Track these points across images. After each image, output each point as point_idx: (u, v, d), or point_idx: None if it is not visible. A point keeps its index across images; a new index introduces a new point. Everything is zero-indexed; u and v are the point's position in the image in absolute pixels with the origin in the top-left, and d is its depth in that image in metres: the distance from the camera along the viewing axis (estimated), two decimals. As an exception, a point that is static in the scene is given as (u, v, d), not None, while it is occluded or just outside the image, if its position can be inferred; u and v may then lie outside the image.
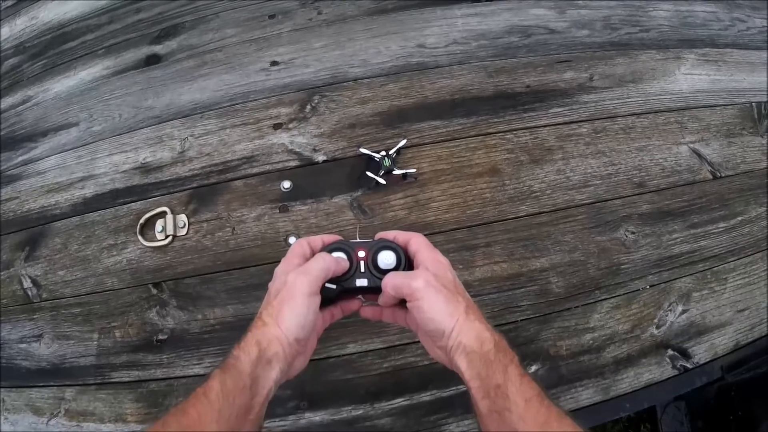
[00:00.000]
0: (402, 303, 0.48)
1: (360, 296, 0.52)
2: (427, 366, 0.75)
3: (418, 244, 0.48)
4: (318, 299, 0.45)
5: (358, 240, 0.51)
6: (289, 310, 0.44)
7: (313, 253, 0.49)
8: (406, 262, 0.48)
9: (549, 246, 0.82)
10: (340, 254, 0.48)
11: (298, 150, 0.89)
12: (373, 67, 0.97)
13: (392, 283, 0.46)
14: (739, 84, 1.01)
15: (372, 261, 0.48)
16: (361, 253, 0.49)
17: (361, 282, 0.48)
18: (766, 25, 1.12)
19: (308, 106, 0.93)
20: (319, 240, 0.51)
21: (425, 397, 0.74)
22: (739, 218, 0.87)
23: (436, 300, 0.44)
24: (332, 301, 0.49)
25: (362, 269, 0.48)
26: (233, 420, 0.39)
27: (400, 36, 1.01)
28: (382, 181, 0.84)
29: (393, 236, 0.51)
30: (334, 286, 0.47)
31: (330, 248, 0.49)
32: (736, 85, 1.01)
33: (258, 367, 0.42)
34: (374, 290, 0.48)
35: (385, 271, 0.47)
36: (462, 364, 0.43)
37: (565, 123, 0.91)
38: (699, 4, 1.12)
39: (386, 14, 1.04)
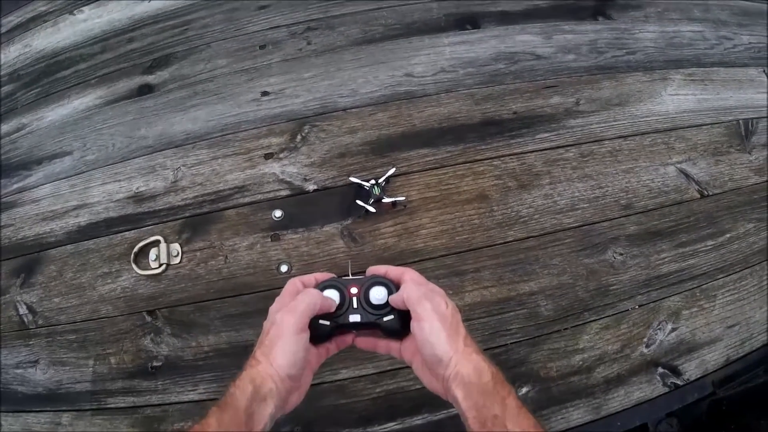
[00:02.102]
0: (398, 334, 0.51)
1: (354, 332, 0.54)
2: (418, 390, 0.78)
3: (407, 285, 0.51)
4: (306, 335, 0.48)
5: (350, 277, 0.54)
6: (280, 348, 0.46)
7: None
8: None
9: (537, 270, 0.86)
10: (333, 291, 0.51)
11: (289, 179, 0.94)
12: (362, 97, 1.02)
13: (408, 294, 0.49)
14: (726, 102, 1.06)
15: (364, 297, 0.51)
16: (354, 290, 0.52)
17: (354, 318, 0.51)
18: (752, 41, 1.18)
19: (299, 136, 0.98)
20: (311, 278, 0.54)
21: (417, 420, 0.77)
22: (728, 235, 0.91)
23: (439, 327, 0.46)
24: (327, 337, 0.51)
25: (355, 305, 0.51)
26: None
27: (388, 65, 1.06)
28: (371, 209, 0.88)
29: (384, 271, 0.53)
30: (327, 323, 0.50)
31: (322, 286, 0.52)
32: (722, 103, 1.06)
33: (254, 404, 0.44)
34: (367, 326, 0.51)
35: (377, 306, 0.51)
36: (459, 395, 0.45)
37: (552, 148, 0.96)
38: (685, 24, 1.17)
39: (374, 44, 1.10)
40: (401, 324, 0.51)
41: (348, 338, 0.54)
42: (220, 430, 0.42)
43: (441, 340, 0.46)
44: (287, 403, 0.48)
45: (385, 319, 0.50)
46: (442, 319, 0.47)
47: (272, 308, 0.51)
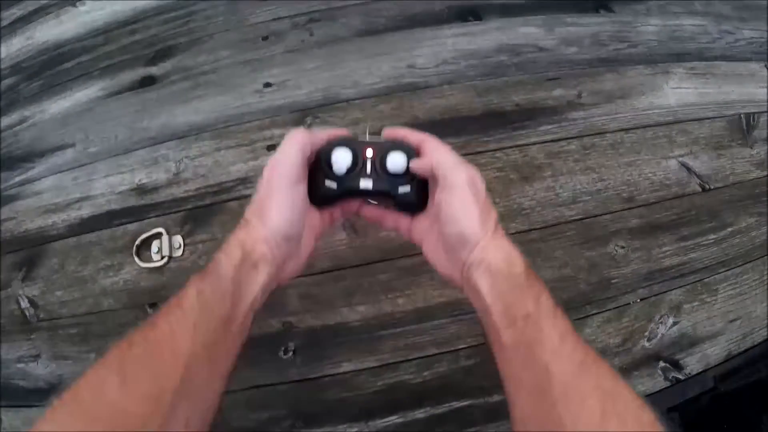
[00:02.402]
0: (412, 208, 0.45)
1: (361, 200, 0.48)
2: (420, 384, 0.77)
3: (437, 150, 0.43)
4: (303, 187, 0.41)
5: (367, 138, 0.47)
6: (273, 204, 0.40)
7: (315, 150, 0.44)
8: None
9: (539, 262, 0.85)
10: (345, 150, 0.44)
11: (292, 170, 0.93)
12: (365, 88, 1.01)
13: (438, 157, 0.41)
14: (728, 96, 1.04)
15: (380, 162, 0.44)
16: (369, 152, 0.45)
17: (366, 184, 0.44)
18: (754, 36, 1.16)
19: (302, 127, 0.96)
20: (324, 134, 0.45)
21: (419, 414, 0.77)
22: (729, 229, 0.90)
23: (473, 202, 0.39)
24: (333, 201, 0.46)
25: (368, 170, 0.44)
26: (211, 332, 0.36)
27: (390, 57, 1.04)
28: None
29: (403, 135, 0.46)
30: (335, 185, 0.44)
31: (334, 143, 0.45)
32: (724, 98, 1.04)
33: (242, 272, 0.38)
34: (379, 195, 0.45)
35: (393, 175, 0.44)
36: (483, 284, 0.38)
37: (554, 140, 0.95)
38: (687, 18, 1.15)
39: (377, 35, 1.08)
40: (417, 198, 0.45)
41: (353, 205, 0.48)
42: (199, 303, 0.36)
43: (471, 218, 0.39)
44: (283, 272, 0.42)
45: (401, 189, 0.44)
46: (476, 194, 0.40)
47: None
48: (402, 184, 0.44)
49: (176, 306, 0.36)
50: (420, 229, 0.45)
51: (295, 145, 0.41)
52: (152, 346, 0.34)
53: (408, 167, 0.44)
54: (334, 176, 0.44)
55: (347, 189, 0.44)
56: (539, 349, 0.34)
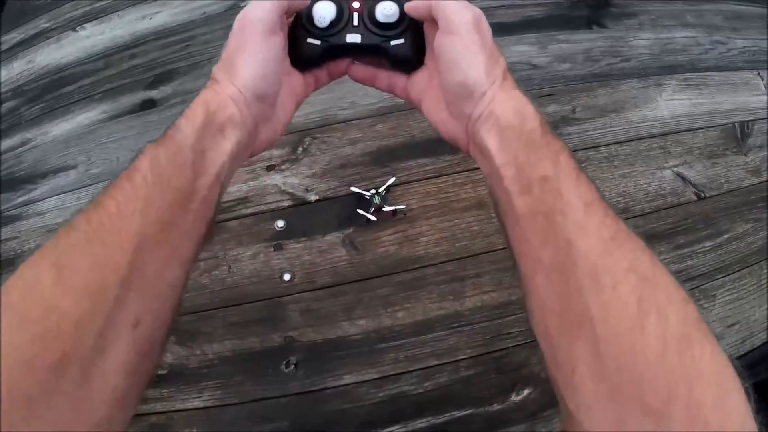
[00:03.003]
0: (406, 65, 0.41)
1: (350, 58, 0.45)
2: (421, 394, 0.81)
3: None
4: (279, 40, 0.37)
5: None
6: (244, 58, 0.35)
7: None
8: (410, 18, 0.40)
9: (536, 274, 0.90)
10: (329, 2, 0.41)
11: (290, 190, 0.98)
12: (362, 109, 1.06)
13: None
14: (721, 105, 1.10)
15: (368, 12, 0.41)
16: (356, 4, 0.41)
17: (353, 38, 0.41)
18: (746, 45, 1.22)
19: (300, 148, 1.03)
20: None
21: (420, 424, 0.80)
22: (725, 236, 0.95)
23: (479, 46, 0.35)
24: (317, 61, 0.43)
25: (355, 22, 0.41)
26: (166, 209, 0.31)
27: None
28: (372, 218, 0.92)
29: None
30: (318, 42, 0.41)
31: None
32: (718, 107, 1.10)
33: (205, 137, 0.34)
34: (369, 50, 0.42)
35: (385, 26, 0.41)
36: (491, 144, 0.34)
37: (548, 154, 1.01)
38: (679, 30, 1.22)
39: (373, 61, 1.15)
40: (413, 50, 0.41)
41: (341, 65, 0.44)
42: (153, 175, 0.31)
43: (477, 64, 0.35)
44: (255, 137, 0.38)
45: (393, 42, 0.40)
46: (482, 37, 0.36)
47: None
48: (395, 36, 0.40)
49: (126, 179, 0.31)
50: (418, 86, 0.41)
51: None
52: (94, 229, 0.29)
53: (401, 16, 0.40)
54: (316, 32, 0.40)
55: (332, 46, 0.41)
56: (561, 220, 0.30)
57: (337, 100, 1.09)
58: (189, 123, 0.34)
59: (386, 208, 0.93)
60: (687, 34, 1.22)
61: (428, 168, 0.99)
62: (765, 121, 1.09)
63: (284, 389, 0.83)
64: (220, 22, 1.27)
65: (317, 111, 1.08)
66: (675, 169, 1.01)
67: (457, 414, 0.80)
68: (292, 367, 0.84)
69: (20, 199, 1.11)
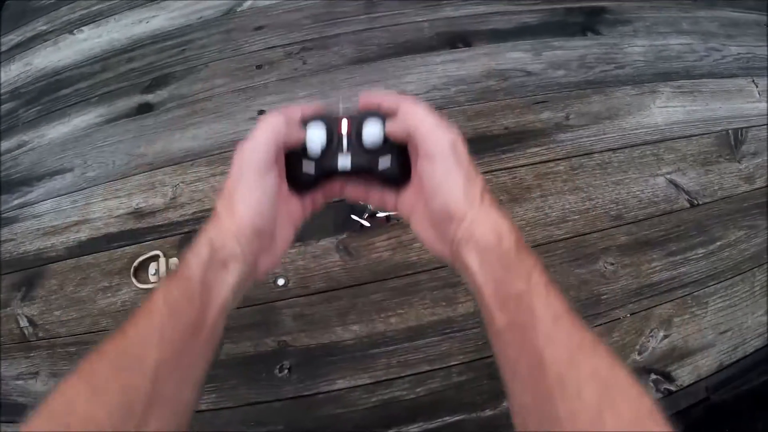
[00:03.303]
0: (397, 182, 0.43)
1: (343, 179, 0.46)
2: (413, 400, 0.82)
3: (413, 112, 0.39)
4: (274, 174, 0.39)
5: (341, 110, 0.45)
6: (241, 195, 0.38)
7: (286, 130, 0.41)
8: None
9: (529, 280, 0.91)
10: (319, 127, 0.42)
11: (285, 195, 1.00)
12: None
13: (416, 117, 0.39)
14: (715, 112, 1.11)
15: (356, 136, 0.42)
16: (344, 127, 0.43)
17: (344, 162, 0.42)
18: (741, 52, 1.23)
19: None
20: (297, 110, 0.43)
21: (413, 429, 0.81)
22: (718, 243, 0.96)
23: (456, 171, 0.37)
24: (312, 185, 0.44)
25: (345, 146, 0.42)
26: (178, 339, 0.35)
27: (381, 84, 1.12)
28: (366, 223, 0.94)
29: (379, 100, 0.43)
30: (312, 168, 0.42)
31: (307, 120, 0.43)
32: (711, 114, 1.11)
33: (210, 272, 0.36)
34: (360, 172, 0.43)
35: (372, 148, 0.42)
36: (473, 263, 0.36)
37: (542, 162, 1.01)
38: (674, 37, 1.23)
39: (368, 63, 1.16)
40: (400, 170, 0.43)
41: (335, 187, 0.46)
42: (167, 308, 0.35)
43: (456, 188, 0.37)
44: (257, 267, 0.40)
45: (381, 163, 0.42)
46: (458, 161, 0.38)
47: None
48: (382, 156, 0.42)
49: (145, 312, 0.35)
50: (407, 202, 0.43)
51: (266, 132, 0.39)
52: (120, 355, 0.34)
53: (386, 137, 0.42)
54: (310, 158, 0.42)
55: (326, 170, 0.43)
56: (532, 334, 0.33)
57: (332, 105, 1.09)
58: (196, 260, 0.37)
59: (380, 214, 0.94)
60: (682, 41, 1.23)
61: None
62: (759, 128, 1.10)
63: (278, 393, 0.84)
64: (217, 27, 1.28)
65: (312, 116, 1.08)
66: (668, 176, 1.02)
67: (449, 419, 0.81)
68: (286, 371, 0.85)
69: (16, 202, 1.12)
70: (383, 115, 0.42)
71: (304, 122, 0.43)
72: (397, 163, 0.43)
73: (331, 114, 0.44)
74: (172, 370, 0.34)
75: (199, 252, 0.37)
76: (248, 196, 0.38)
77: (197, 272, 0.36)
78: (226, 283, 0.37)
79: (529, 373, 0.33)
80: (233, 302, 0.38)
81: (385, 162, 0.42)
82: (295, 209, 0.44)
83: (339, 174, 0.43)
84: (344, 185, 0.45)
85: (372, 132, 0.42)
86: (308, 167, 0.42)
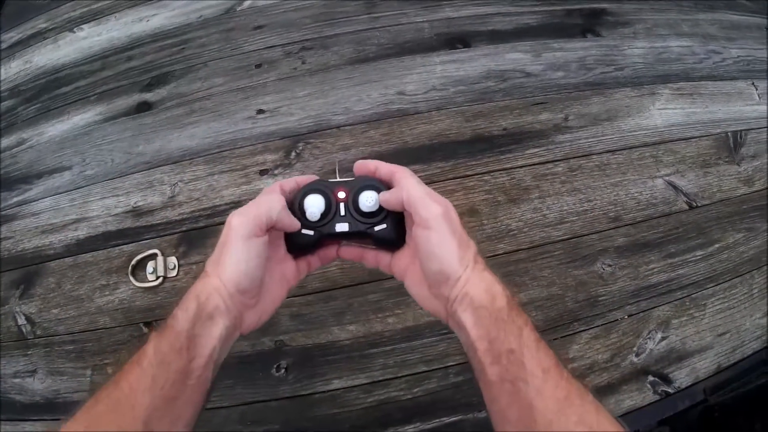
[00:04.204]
0: (391, 245, 0.46)
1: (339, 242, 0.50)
2: (410, 400, 0.83)
3: (407, 184, 0.44)
4: (261, 241, 0.42)
5: (338, 179, 0.48)
6: (227, 257, 0.41)
7: (286, 199, 0.46)
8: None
9: (527, 281, 0.91)
10: (317, 197, 0.46)
11: (283, 194, 1.00)
12: (355, 115, 1.08)
13: (410, 191, 0.42)
14: (714, 115, 1.12)
15: (353, 202, 0.46)
16: (341, 194, 0.47)
17: (342, 227, 0.46)
18: (741, 54, 1.24)
19: (293, 153, 1.05)
20: (292, 181, 0.48)
21: (409, 429, 0.82)
22: (717, 245, 0.96)
23: (450, 237, 0.41)
24: (311, 248, 0.48)
25: (342, 212, 0.46)
26: (168, 387, 0.38)
27: (380, 84, 1.13)
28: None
29: (374, 168, 0.47)
30: (311, 233, 0.46)
31: (305, 190, 0.47)
32: (711, 116, 1.11)
33: (197, 325, 0.39)
34: (356, 235, 0.47)
35: (368, 214, 0.46)
36: (467, 321, 0.39)
37: (541, 163, 1.02)
38: (674, 39, 1.24)
39: (367, 63, 1.16)
40: (395, 234, 0.46)
41: (332, 251, 0.49)
42: (156, 359, 0.38)
43: (450, 253, 0.40)
44: (242, 322, 0.43)
45: (377, 228, 0.46)
46: (452, 227, 0.41)
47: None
48: (378, 221, 0.46)
49: (136, 363, 0.38)
50: (401, 264, 0.47)
51: (258, 208, 0.42)
52: (114, 403, 0.37)
53: (381, 205, 0.45)
54: (308, 223, 0.46)
55: (324, 234, 0.46)
56: (523, 386, 0.36)
57: (330, 105, 1.11)
58: (184, 313, 0.40)
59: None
60: (682, 44, 1.24)
61: (420, 174, 0.97)
62: (758, 130, 1.11)
63: (275, 393, 0.84)
64: (216, 26, 1.29)
65: (311, 116, 1.10)
66: (667, 178, 1.02)
67: (446, 419, 0.82)
68: (283, 371, 0.86)
69: (15, 199, 1.13)
70: (377, 183, 0.47)
71: (303, 192, 0.47)
72: (393, 227, 0.46)
73: (328, 183, 0.48)
74: (162, 414, 0.37)
75: (187, 307, 0.40)
76: (234, 258, 0.41)
77: (185, 325, 0.39)
78: (213, 334, 0.40)
79: (520, 420, 0.37)
80: (221, 352, 0.41)
81: (380, 227, 0.46)
82: (290, 271, 0.47)
83: (336, 237, 0.47)
84: (339, 247, 0.49)
85: (368, 199, 0.46)
86: (307, 233, 0.46)
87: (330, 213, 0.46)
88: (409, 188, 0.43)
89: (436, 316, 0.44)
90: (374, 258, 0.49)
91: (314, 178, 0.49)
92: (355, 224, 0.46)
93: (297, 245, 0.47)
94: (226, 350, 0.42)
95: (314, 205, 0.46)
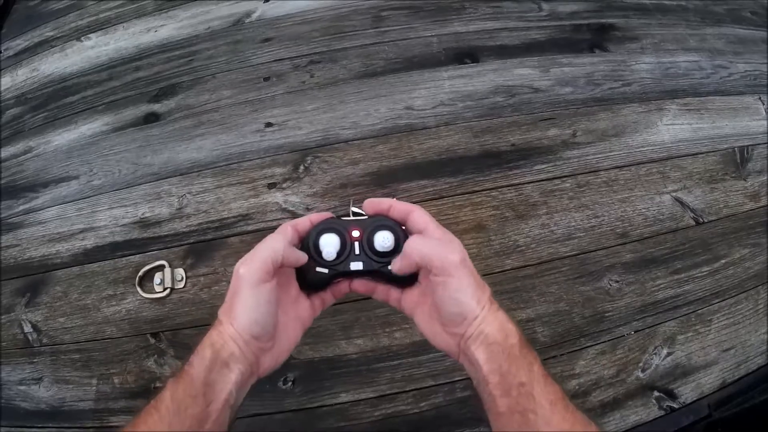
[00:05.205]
0: (403, 282, 0.49)
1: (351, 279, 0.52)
2: (417, 414, 0.85)
3: (423, 222, 0.47)
4: (270, 286, 0.44)
5: (351, 218, 0.51)
6: (238, 304, 0.43)
7: (300, 238, 0.48)
8: (405, 242, 0.47)
9: (534, 297, 0.93)
10: (332, 236, 0.48)
11: (291, 209, 1.03)
12: (363, 129, 1.11)
13: (420, 251, 0.45)
14: (721, 130, 1.14)
15: (368, 242, 0.48)
16: (355, 233, 0.48)
17: (356, 265, 0.48)
18: (748, 69, 1.26)
19: (301, 167, 1.07)
20: (306, 221, 0.49)
21: (415, 444, 0.84)
22: (723, 261, 0.98)
23: (468, 281, 0.43)
24: (324, 285, 0.50)
25: (357, 251, 0.48)
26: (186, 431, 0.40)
27: (389, 98, 1.15)
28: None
29: (388, 206, 0.50)
30: (326, 271, 0.48)
31: (319, 229, 0.49)
32: (718, 132, 1.14)
33: (213, 372, 0.41)
34: (370, 274, 0.49)
35: (382, 254, 0.48)
36: (481, 356, 0.42)
37: (548, 179, 1.04)
38: (681, 55, 1.26)
39: (376, 77, 1.19)
40: (408, 274, 0.48)
41: (344, 285, 0.52)
42: (173, 405, 0.40)
43: (469, 297, 0.43)
44: (259, 366, 0.45)
45: (391, 266, 0.48)
46: (471, 273, 0.44)
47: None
48: (391, 261, 0.48)
49: (153, 409, 0.41)
50: (410, 301, 0.49)
51: (264, 252, 0.44)
52: None
53: (396, 244, 0.48)
54: (323, 262, 0.48)
55: (339, 272, 0.48)
56: (532, 417, 0.40)
57: (339, 119, 1.13)
58: (200, 361, 0.42)
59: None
60: (689, 59, 1.26)
61: (428, 190, 1.03)
62: (765, 146, 1.14)
63: (281, 405, 0.86)
64: (224, 38, 1.32)
65: (319, 130, 1.12)
66: (674, 194, 1.04)
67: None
68: (290, 383, 0.88)
69: (21, 207, 1.15)
70: (393, 223, 0.49)
71: (317, 231, 0.48)
72: None
73: (342, 222, 0.50)
74: None
75: (203, 355, 0.42)
76: (245, 305, 0.43)
77: (201, 372, 0.41)
78: (228, 379, 0.42)
79: None
80: (238, 397, 0.43)
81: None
82: (304, 310, 0.50)
83: (351, 275, 0.49)
84: (351, 282, 0.51)
85: (384, 239, 0.48)
86: (321, 270, 0.48)
87: (345, 251, 0.48)
88: (421, 243, 0.46)
89: (446, 351, 0.47)
90: (384, 293, 0.51)
91: (328, 215, 0.51)
92: (369, 263, 0.48)
93: (312, 283, 0.49)
94: (242, 394, 0.44)
95: (330, 244, 0.48)
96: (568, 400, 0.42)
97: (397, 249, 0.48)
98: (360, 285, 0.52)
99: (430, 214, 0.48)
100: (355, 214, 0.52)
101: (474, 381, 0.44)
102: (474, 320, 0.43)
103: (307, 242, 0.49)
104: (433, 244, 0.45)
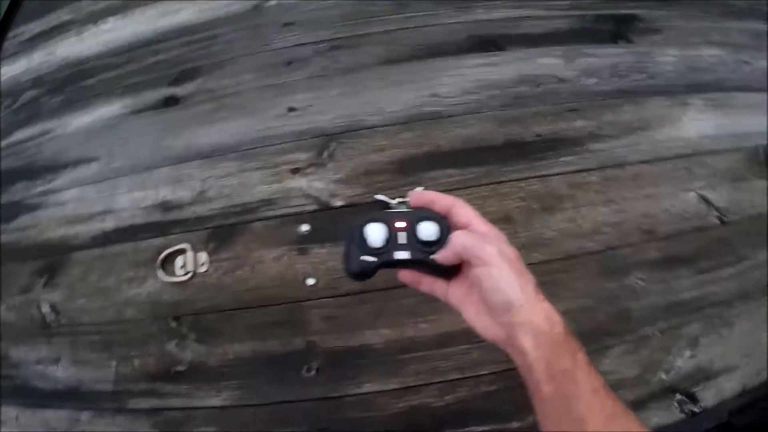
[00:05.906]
0: (448, 273, 0.50)
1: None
2: (441, 407, 0.82)
3: (467, 215, 0.49)
4: None
5: (396, 210, 0.52)
6: None
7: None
8: (449, 233, 0.49)
9: (560, 292, 0.90)
10: (379, 225, 0.49)
11: (315, 194, 1.00)
12: (388, 116, 1.08)
13: (462, 242, 0.46)
14: (745, 127, 1.11)
15: (412, 231, 0.49)
16: (400, 224, 0.50)
17: (402, 255, 0.49)
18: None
19: (325, 152, 1.05)
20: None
21: (439, 437, 0.82)
22: (746, 263, 0.95)
23: (509, 270, 0.45)
24: (371, 275, 0.51)
25: (402, 240, 0.49)
26: None
27: (413, 85, 1.12)
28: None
29: (430, 199, 0.51)
30: (373, 259, 0.49)
31: (367, 219, 0.50)
32: (742, 129, 1.10)
33: None
34: (416, 263, 0.50)
35: (427, 243, 0.49)
36: (528, 344, 0.43)
37: (575, 171, 1.01)
38: (705, 48, 1.23)
39: (399, 64, 1.16)
40: (451, 264, 0.49)
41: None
42: None
43: (512, 285, 0.45)
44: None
45: (435, 256, 0.49)
46: (510, 263, 0.46)
47: None
48: (436, 250, 0.49)
49: None
50: (458, 293, 0.50)
51: None
52: None
53: (440, 234, 0.49)
54: (370, 250, 0.49)
55: (385, 261, 0.49)
56: (575, 402, 0.41)
57: (363, 105, 1.11)
58: None
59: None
60: (712, 52, 1.23)
61: (455, 179, 1.00)
62: (790, 144, 1.10)
63: (304, 394, 0.85)
64: (245, 21, 1.29)
65: (343, 116, 1.09)
66: (699, 191, 1.01)
67: (476, 429, 0.81)
68: (313, 372, 0.86)
69: (40, 188, 1.13)
70: (436, 215, 0.50)
71: (364, 221, 0.50)
72: None
73: (388, 213, 0.51)
74: None
75: None
76: None
77: None
78: None
79: None
80: None
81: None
82: None
83: (396, 264, 0.50)
84: (398, 270, 0.53)
85: (428, 229, 0.49)
86: (368, 259, 0.49)
87: (390, 241, 0.49)
88: (462, 236, 0.47)
89: (496, 341, 0.48)
90: (430, 285, 0.52)
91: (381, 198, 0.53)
92: (414, 252, 0.49)
93: (360, 271, 0.50)
94: None
95: (376, 234, 0.49)
96: (609, 388, 0.43)
97: (440, 240, 0.49)
98: (407, 275, 0.53)
99: (469, 206, 0.50)
100: (383, 202, 0.56)
101: (520, 369, 0.46)
102: (520, 308, 0.44)
103: (353, 232, 0.50)
104: (476, 237, 0.47)
